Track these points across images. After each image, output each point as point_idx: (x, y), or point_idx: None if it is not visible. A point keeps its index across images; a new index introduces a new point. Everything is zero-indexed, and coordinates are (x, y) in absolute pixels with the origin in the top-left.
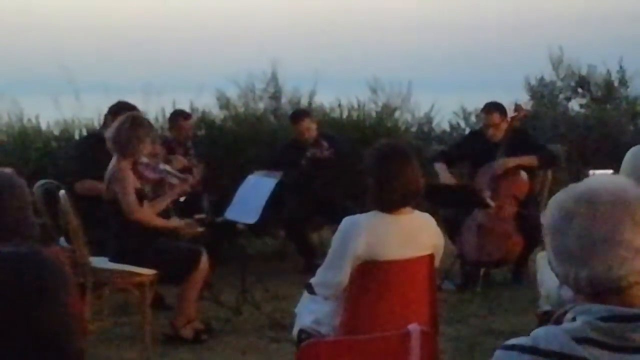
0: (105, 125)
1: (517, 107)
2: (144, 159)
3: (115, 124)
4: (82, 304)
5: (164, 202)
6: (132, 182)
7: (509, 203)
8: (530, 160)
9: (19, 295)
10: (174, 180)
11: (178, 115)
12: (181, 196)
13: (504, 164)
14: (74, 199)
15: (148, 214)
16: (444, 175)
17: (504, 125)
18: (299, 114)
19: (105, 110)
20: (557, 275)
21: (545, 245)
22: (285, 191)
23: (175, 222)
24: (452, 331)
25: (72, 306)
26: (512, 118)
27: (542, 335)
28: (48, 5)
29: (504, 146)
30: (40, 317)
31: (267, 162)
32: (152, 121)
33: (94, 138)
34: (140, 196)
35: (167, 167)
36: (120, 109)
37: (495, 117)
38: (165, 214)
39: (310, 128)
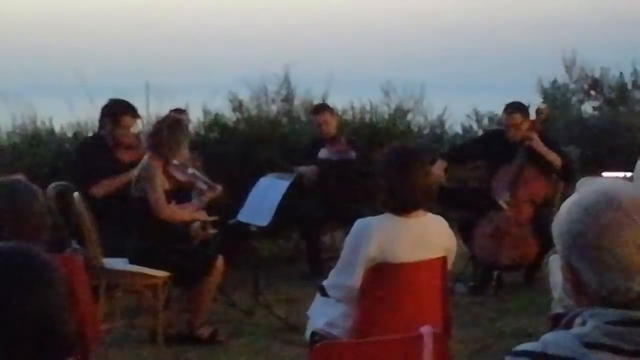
0: (102, 127)
1: (538, 111)
2: (175, 161)
3: (155, 122)
4: (94, 305)
5: (191, 209)
6: (160, 182)
7: (527, 206)
8: (555, 158)
9: (6, 284)
10: (202, 185)
11: (171, 112)
12: (208, 203)
13: (536, 144)
14: (87, 201)
15: (173, 211)
16: (435, 172)
17: (525, 126)
18: (321, 106)
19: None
20: (585, 287)
21: (564, 255)
22: (301, 191)
23: (197, 214)
24: (464, 334)
25: (66, 298)
26: (534, 121)
27: (552, 341)
28: (60, 6)
29: (525, 148)
30: (28, 303)
31: (291, 161)
32: None
33: (94, 141)
34: (167, 198)
35: (195, 172)
36: (116, 109)
37: (517, 117)
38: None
39: (328, 122)
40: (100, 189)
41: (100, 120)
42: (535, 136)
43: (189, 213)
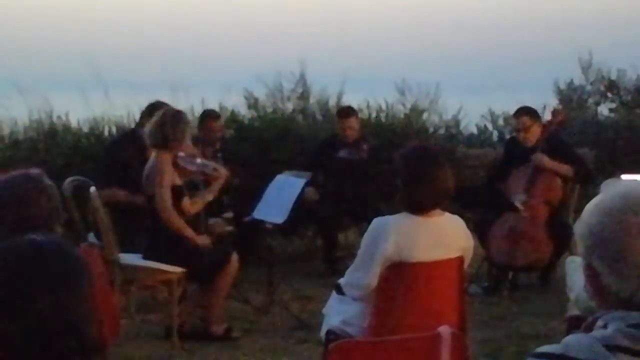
0: (140, 124)
1: (554, 112)
2: (182, 153)
3: (155, 118)
4: (113, 299)
5: (206, 198)
6: (169, 178)
7: (542, 207)
8: (567, 170)
9: (39, 280)
10: (212, 172)
11: (208, 116)
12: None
13: (542, 160)
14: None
15: (177, 219)
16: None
17: (536, 129)
18: (347, 110)
19: (135, 108)
20: (606, 289)
21: (586, 257)
22: (318, 190)
23: (201, 239)
24: (478, 334)
25: (91, 297)
26: (549, 122)
27: (573, 343)
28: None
29: (540, 150)
30: (58, 301)
31: (304, 160)
32: None
33: (127, 138)
34: (179, 193)
35: (205, 161)
36: (158, 108)
37: (525, 120)
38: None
39: (353, 127)
40: (104, 196)
41: (141, 117)
42: (541, 156)
43: (191, 234)
